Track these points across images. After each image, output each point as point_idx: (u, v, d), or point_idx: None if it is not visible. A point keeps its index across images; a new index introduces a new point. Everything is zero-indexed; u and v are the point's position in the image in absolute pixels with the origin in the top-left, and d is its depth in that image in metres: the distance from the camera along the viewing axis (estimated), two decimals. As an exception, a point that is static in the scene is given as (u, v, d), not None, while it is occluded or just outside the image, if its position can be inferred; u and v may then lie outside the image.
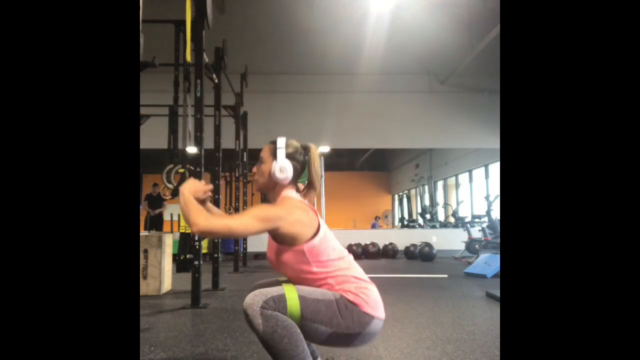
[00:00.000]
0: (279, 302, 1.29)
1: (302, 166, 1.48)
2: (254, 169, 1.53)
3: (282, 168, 1.42)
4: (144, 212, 7.47)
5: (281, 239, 1.39)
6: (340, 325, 1.31)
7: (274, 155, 1.46)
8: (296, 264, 1.39)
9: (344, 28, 8.30)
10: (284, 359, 1.26)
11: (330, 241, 1.42)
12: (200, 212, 1.31)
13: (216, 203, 4.28)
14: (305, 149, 1.50)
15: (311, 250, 1.37)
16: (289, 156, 1.45)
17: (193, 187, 1.42)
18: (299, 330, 1.29)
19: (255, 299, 1.29)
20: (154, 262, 3.83)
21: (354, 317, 1.32)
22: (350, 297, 1.34)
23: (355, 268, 1.43)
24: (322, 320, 1.31)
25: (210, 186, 1.50)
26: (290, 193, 1.47)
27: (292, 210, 1.37)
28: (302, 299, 1.31)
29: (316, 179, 1.50)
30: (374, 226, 13.90)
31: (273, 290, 1.32)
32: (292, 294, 1.31)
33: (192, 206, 1.32)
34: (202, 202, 1.48)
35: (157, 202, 7.86)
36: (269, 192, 1.51)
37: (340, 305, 1.33)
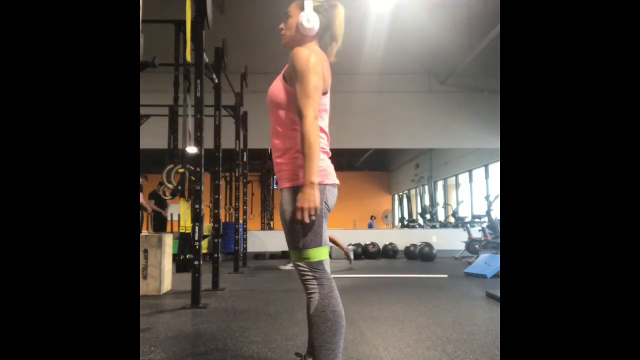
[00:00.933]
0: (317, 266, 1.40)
1: (327, 21, 1.51)
2: (281, 26, 1.55)
3: (309, 18, 1.45)
4: (149, 210, 7.38)
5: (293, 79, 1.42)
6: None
7: (301, 8, 1.48)
8: (289, 106, 1.43)
9: (343, 28, 8.27)
10: (317, 339, 1.34)
11: (326, 112, 1.48)
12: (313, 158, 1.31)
13: (216, 203, 4.28)
14: (332, 6, 1.52)
15: None
16: (315, 9, 1.48)
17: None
18: (343, 323, 1.38)
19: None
20: (154, 262, 3.83)
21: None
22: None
23: (326, 150, 1.48)
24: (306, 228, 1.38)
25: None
26: (316, 46, 1.50)
27: (323, 60, 1.43)
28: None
29: (339, 32, 1.52)
30: (370, 226, 13.89)
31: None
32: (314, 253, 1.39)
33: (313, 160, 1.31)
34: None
35: (163, 201, 7.77)
36: (295, 46, 1.50)
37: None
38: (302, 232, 1.37)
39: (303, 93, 1.34)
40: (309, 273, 1.39)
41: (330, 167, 1.47)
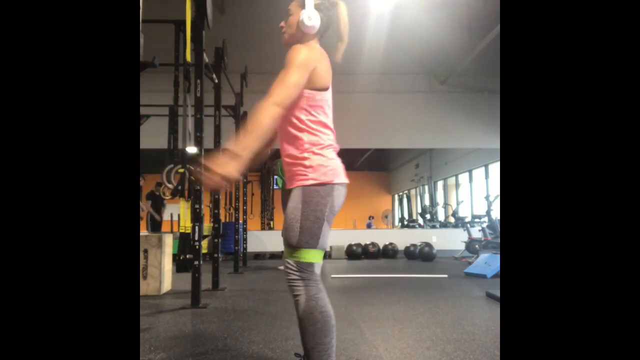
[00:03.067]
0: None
1: (328, 20, 1.50)
2: (282, 24, 1.54)
3: (311, 16, 1.45)
4: (145, 212, 7.37)
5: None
6: (309, 210, 1.36)
7: (302, 6, 1.47)
8: (294, 107, 1.40)
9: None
10: (308, 342, 1.32)
11: (328, 107, 1.46)
12: (254, 130, 1.27)
13: (216, 203, 4.28)
14: (332, 4, 1.51)
15: (310, 97, 1.39)
16: (316, 7, 1.47)
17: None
18: (333, 323, 1.35)
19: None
20: (154, 262, 3.83)
21: (320, 196, 1.37)
22: (310, 172, 1.37)
23: (333, 145, 1.46)
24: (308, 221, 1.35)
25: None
26: (316, 44, 1.49)
27: (323, 57, 1.42)
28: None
29: (344, 30, 1.50)
30: (369, 226, 13.88)
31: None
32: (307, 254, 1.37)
33: (250, 136, 1.26)
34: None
35: (160, 202, 7.73)
36: (295, 44, 1.49)
37: (306, 199, 1.36)
38: (300, 230, 1.35)
39: (279, 80, 1.33)
40: (296, 273, 1.36)
41: (339, 165, 1.44)
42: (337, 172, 1.41)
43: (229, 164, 1.21)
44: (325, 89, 1.43)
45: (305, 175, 1.38)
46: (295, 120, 1.41)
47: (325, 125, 1.43)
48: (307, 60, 1.36)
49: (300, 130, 1.41)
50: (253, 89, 7.07)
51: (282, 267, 6.98)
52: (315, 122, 1.42)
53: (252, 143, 1.26)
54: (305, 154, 1.39)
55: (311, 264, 1.36)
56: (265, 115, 1.27)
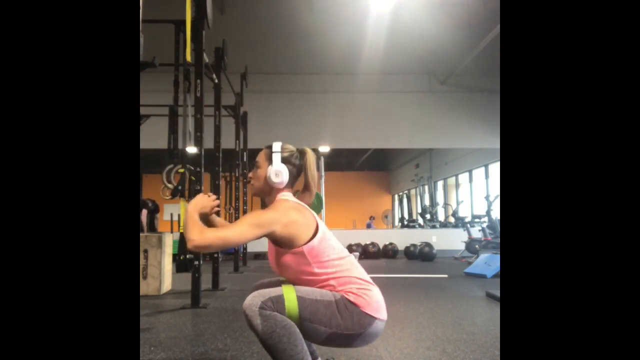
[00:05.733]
0: (277, 303, 1.29)
1: (298, 170, 1.49)
2: (250, 174, 1.54)
3: (278, 172, 1.44)
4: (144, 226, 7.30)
5: (279, 242, 1.39)
6: (340, 326, 1.31)
7: (269, 160, 1.46)
8: (297, 266, 1.38)
9: (344, 28, 8.29)
10: (283, 359, 1.26)
11: (330, 240, 1.41)
12: (196, 228, 1.31)
13: (216, 203, 4.27)
14: (302, 153, 1.50)
15: (311, 251, 1.36)
16: (284, 160, 1.46)
17: (200, 204, 1.44)
18: (298, 330, 1.29)
19: (254, 300, 1.29)
20: (154, 262, 3.83)
21: (354, 317, 1.32)
22: (351, 298, 1.34)
23: (357, 269, 1.43)
24: (321, 321, 1.31)
25: (217, 201, 1.51)
26: (285, 196, 1.47)
27: (286, 212, 1.37)
28: (301, 299, 1.31)
29: (312, 182, 1.50)
30: (369, 226, 13.87)
31: (272, 291, 1.33)
32: (290, 295, 1.31)
33: (190, 222, 1.34)
34: (207, 216, 1.51)
35: (152, 210, 7.51)
36: (266, 196, 1.52)
37: (340, 306, 1.33)
38: (326, 338, 1.34)
39: (241, 221, 1.33)
40: (259, 309, 1.29)
41: (381, 300, 1.39)
42: (380, 306, 1.38)
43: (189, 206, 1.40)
44: (316, 233, 1.39)
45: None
46: (312, 278, 1.39)
47: (338, 259, 1.40)
48: (274, 218, 1.34)
49: (323, 282, 1.38)
50: (253, 89, 7.08)
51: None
52: (328, 264, 1.39)
53: (186, 227, 1.33)
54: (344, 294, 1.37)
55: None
56: (202, 239, 1.29)
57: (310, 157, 1.49)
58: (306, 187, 1.52)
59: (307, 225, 1.38)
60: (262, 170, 1.48)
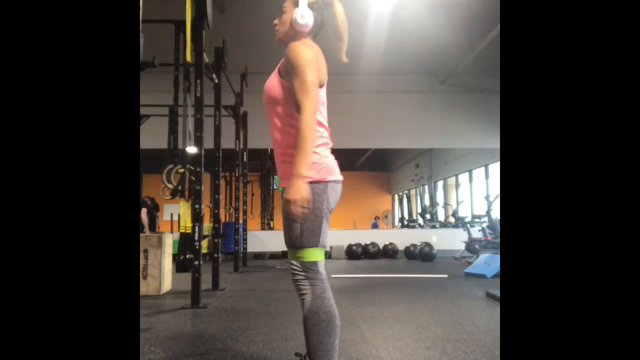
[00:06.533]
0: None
1: (321, 19, 1.51)
2: (275, 21, 1.56)
3: (304, 14, 1.45)
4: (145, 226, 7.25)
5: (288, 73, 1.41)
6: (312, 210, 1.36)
7: (296, 4, 1.48)
8: (286, 102, 1.41)
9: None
10: (313, 342, 1.33)
11: (323, 105, 1.47)
12: (309, 152, 1.30)
13: (216, 203, 4.28)
14: (327, 4, 1.51)
15: None
16: (310, 6, 1.48)
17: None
18: (338, 323, 1.36)
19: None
20: (154, 262, 3.83)
21: (319, 196, 1.37)
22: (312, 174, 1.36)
23: (327, 143, 1.47)
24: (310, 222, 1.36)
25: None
26: (311, 41, 1.49)
27: (317, 54, 1.41)
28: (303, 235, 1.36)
29: (342, 29, 1.51)
30: (374, 226, 13.87)
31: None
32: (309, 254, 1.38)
33: (305, 154, 1.30)
34: None
35: (151, 211, 7.40)
36: (289, 42, 1.49)
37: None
38: (300, 230, 1.36)
39: (301, 88, 1.33)
40: (302, 273, 1.37)
41: (333, 162, 1.45)
42: (331, 169, 1.42)
43: (301, 188, 1.26)
44: (322, 86, 1.44)
45: None
46: (289, 118, 1.42)
47: (319, 123, 1.43)
48: (313, 57, 1.37)
49: (293, 127, 1.41)
50: (253, 89, 7.07)
51: (279, 267, 6.99)
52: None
53: (308, 159, 1.30)
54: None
55: (315, 263, 1.37)
56: (309, 129, 1.29)
57: (340, 7, 1.51)
58: (339, 38, 1.51)
59: (323, 76, 1.43)
60: (288, 15, 1.50)
